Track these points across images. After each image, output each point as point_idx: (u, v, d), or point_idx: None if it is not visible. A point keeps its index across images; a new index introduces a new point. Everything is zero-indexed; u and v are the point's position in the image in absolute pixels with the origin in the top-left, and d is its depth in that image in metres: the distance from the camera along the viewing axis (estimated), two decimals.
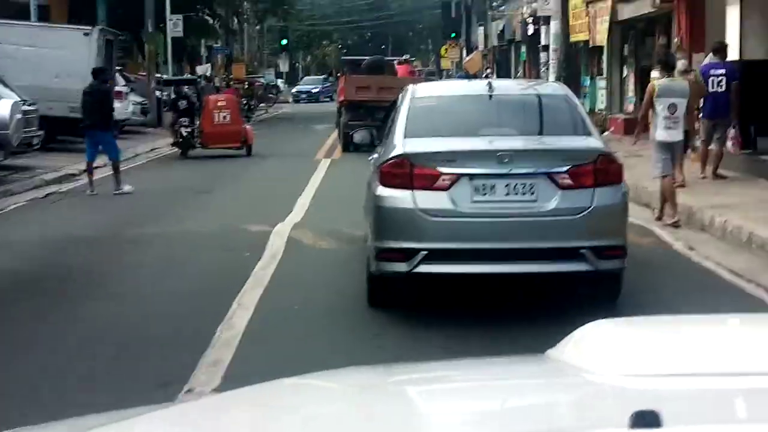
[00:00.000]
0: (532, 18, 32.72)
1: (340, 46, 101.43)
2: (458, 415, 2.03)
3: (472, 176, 7.40)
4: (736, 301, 7.99)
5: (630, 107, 24.01)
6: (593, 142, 7.80)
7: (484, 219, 7.45)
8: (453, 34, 53.51)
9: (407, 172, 7.48)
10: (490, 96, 8.16)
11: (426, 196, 7.40)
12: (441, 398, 2.22)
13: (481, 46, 47.40)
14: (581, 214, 7.37)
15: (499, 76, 41.54)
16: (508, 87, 10.50)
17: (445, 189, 7.38)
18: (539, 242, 7.41)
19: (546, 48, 28.71)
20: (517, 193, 7.42)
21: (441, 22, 55.50)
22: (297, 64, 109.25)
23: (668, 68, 12.12)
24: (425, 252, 7.36)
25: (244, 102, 41.76)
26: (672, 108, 11.32)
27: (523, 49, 35.48)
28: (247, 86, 45.89)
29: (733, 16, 15.85)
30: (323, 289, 8.79)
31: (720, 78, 14.48)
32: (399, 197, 7.49)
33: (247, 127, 24.34)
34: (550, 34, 28.34)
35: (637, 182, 12.66)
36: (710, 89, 14.56)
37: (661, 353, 2.13)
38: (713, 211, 11.31)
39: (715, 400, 1.87)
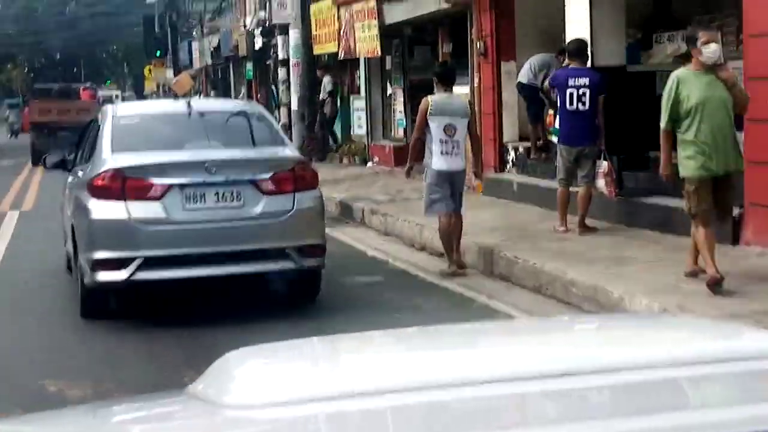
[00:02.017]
0: (261, 29, 27.98)
1: (26, 70, 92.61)
2: None
3: (182, 186, 7.92)
4: None
5: (400, 132, 19.77)
6: (290, 151, 8.76)
7: (197, 225, 7.93)
8: (158, 52, 47.77)
9: (119, 185, 7.86)
10: (189, 113, 8.70)
11: (139, 206, 7.82)
12: None
13: (196, 65, 42.04)
14: (284, 217, 8.11)
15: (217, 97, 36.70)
16: (207, 105, 11.07)
17: (158, 198, 7.85)
18: (249, 244, 8.01)
19: (284, 63, 24.06)
20: (225, 200, 8.02)
21: (143, 40, 49.53)
22: None
23: (446, 82, 9.87)
24: (141, 259, 7.74)
25: None
26: (449, 129, 9.48)
27: (249, 66, 30.71)
28: None
29: (577, 7, 11.76)
30: None
31: (582, 90, 10.36)
32: (112, 208, 7.84)
33: None
34: (288, 47, 23.78)
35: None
36: (568, 105, 10.42)
37: (299, 378, 2.14)
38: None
39: (329, 425, 1.89)
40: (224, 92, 38.17)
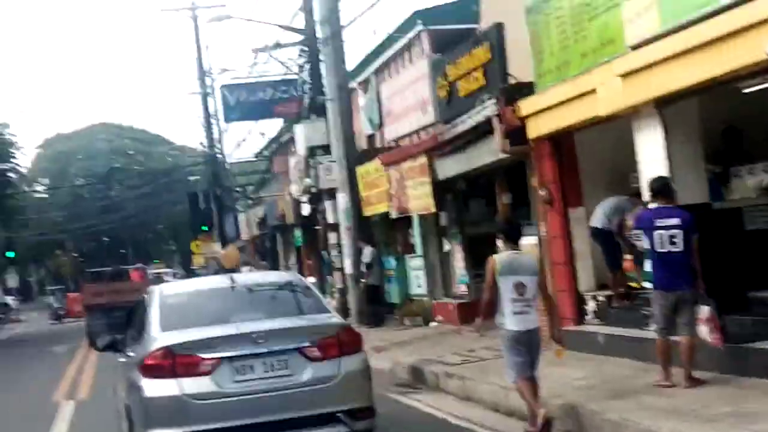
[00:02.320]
0: (308, 196, 27.71)
1: (75, 255, 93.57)
2: None
3: (231, 358, 8.06)
4: None
5: (462, 288, 19.04)
6: (333, 318, 8.99)
7: (247, 396, 8.01)
8: (204, 227, 47.84)
9: (170, 362, 8.00)
10: (233, 287, 9.12)
11: (190, 382, 7.95)
12: None
13: (244, 236, 41.91)
14: (332, 382, 8.22)
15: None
16: (248, 278, 10.79)
17: (208, 373, 7.99)
18: (299, 412, 8.10)
19: (334, 227, 23.62)
20: (273, 369, 8.14)
21: (189, 217, 49.70)
22: (30, 278, 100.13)
23: (513, 239, 9.40)
24: None
25: None
26: (520, 288, 9.08)
27: (298, 233, 30.39)
28: None
29: (651, 146, 11.15)
30: None
31: (672, 231, 9.64)
32: (165, 386, 7.97)
33: None
34: (337, 211, 23.39)
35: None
36: (658, 248, 9.68)
37: None
38: None
39: None
40: (273, 261, 37.83)
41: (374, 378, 8.97)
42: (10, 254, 61.37)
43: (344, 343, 8.47)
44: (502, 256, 9.21)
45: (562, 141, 13.53)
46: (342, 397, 8.27)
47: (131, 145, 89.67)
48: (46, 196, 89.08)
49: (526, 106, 13.49)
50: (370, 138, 25.06)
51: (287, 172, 33.54)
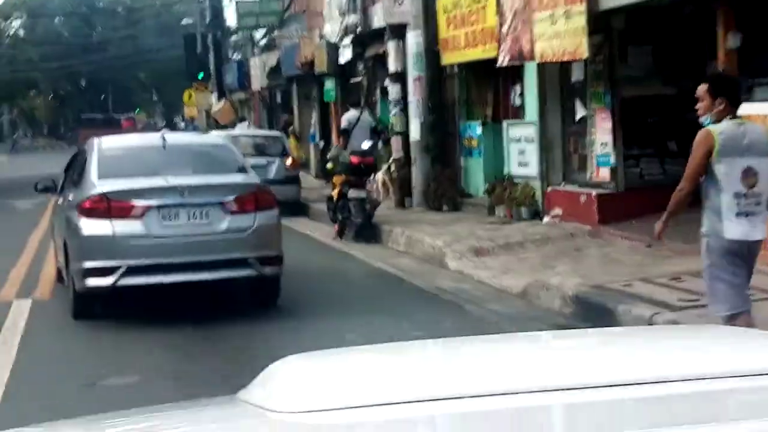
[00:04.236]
0: (350, 38, 21.68)
1: (51, 96, 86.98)
2: None
3: (159, 207, 9.31)
4: None
5: (603, 173, 13.29)
6: (251, 177, 10.11)
7: (171, 239, 9.27)
8: (201, 75, 41.65)
9: (105, 206, 9.24)
10: (164, 146, 10.14)
11: (123, 224, 9.18)
12: None
13: (256, 86, 35.68)
14: (246, 232, 9.48)
15: (274, 128, 30.68)
16: (180, 138, 12.89)
17: (139, 217, 9.23)
18: (216, 255, 9.36)
19: (398, 77, 17.70)
20: (196, 218, 9.41)
21: (183, 62, 43.37)
22: (0, 118, 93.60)
23: (736, 101, 6.63)
24: (125, 268, 9.09)
25: None
26: (750, 176, 6.45)
27: (329, 84, 24.40)
28: None
29: None
30: None
31: None
32: (100, 226, 9.21)
33: None
34: (404, 56, 17.49)
35: None
36: None
37: (347, 385, 2.11)
38: None
39: (398, 429, 1.86)
40: (276, 120, 31.74)
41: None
42: None
43: (260, 200, 9.72)
44: (722, 127, 6.48)
45: None
46: (254, 246, 9.53)
47: None
48: (22, 31, 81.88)
49: None
50: None
51: (309, 11, 27.39)
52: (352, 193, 15.30)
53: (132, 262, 9.09)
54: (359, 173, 15.43)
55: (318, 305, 10.36)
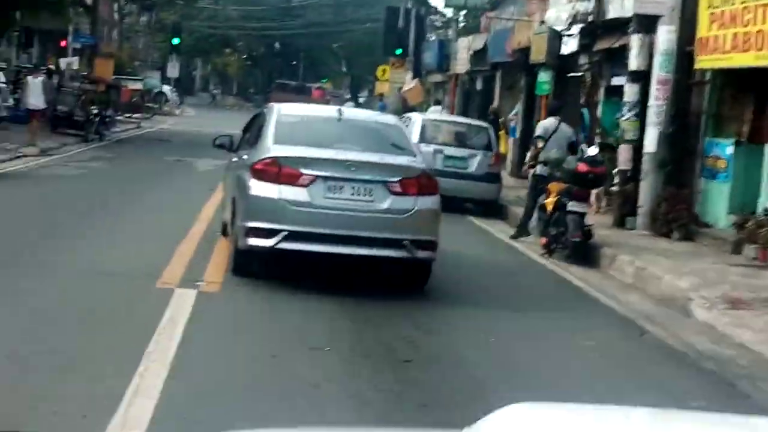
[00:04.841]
0: (579, 27, 19.32)
1: (244, 57, 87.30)
2: None
3: (326, 178, 9.46)
4: None
5: None
6: (418, 161, 10.01)
7: (333, 211, 9.40)
8: (399, 51, 39.90)
9: (276, 170, 9.45)
10: (339, 119, 10.44)
11: (289, 190, 9.39)
12: None
13: (461, 68, 33.59)
14: (406, 214, 9.52)
15: (472, 116, 28.52)
16: (355, 113, 13.21)
17: (305, 186, 9.41)
18: (373, 233, 9.45)
19: (638, 77, 15.25)
20: (359, 194, 9.51)
21: (382, 36, 41.71)
22: (194, 72, 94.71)
23: None
24: (286, 232, 9.27)
25: (95, 112, 27.59)
26: None
27: (544, 76, 22.06)
28: (104, 89, 31.60)
29: None
30: None
31: None
32: (268, 188, 9.43)
33: None
34: (647, 53, 15.06)
35: None
36: None
37: None
38: None
39: None
40: (482, 110, 29.56)
41: None
42: (175, 41, 54.50)
43: (423, 185, 9.68)
44: None
45: None
46: (411, 229, 9.52)
47: None
48: None
49: None
50: None
51: None
52: (573, 206, 13.04)
53: (293, 228, 9.28)
54: (585, 184, 13.15)
55: (536, 349, 8.20)
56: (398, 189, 9.52)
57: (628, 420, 2.42)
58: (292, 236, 9.26)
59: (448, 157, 18.00)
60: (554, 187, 13.86)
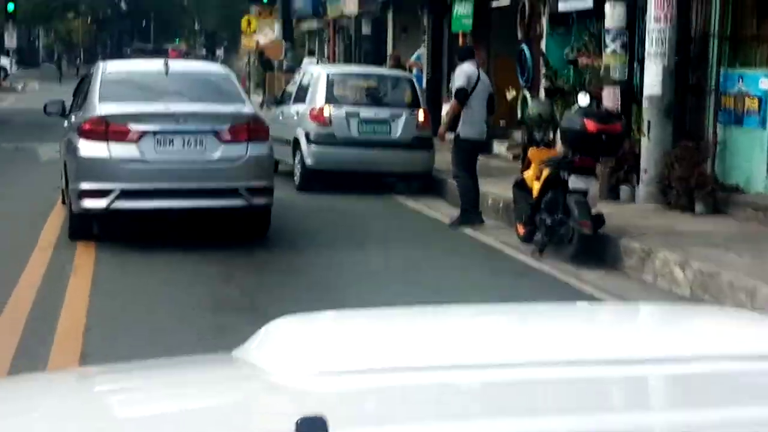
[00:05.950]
0: None
1: (90, 20, 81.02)
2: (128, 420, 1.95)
3: (155, 132, 9.43)
4: None
5: None
6: (247, 108, 10.10)
7: (165, 165, 9.41)
8: None
9: (103, 129, 9.36)
10: (166, 72, 10.20)
11: (119, 148, 9.32)
12: (116, 402, 2.12)
13: (346, 9, 29.09)
14: (238, 162, 9.55)
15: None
16: (182, 65, 12.97)
17: (134, 142, 9.36)
18: (207, 183, 9.52)
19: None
20: (190, 146, 9.49)
21: None
22: (36, 41, 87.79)
23: None
24: (119, 191, 9.24)
25: None
26: None
27: (463, 9, 17.82)
28: None
29: None
30: None
31: None
32: (97, 148, 9.34)
33: None
34: None
35: None
36: None
37: (348, 349, 2.03)
38: None
39: (399, 397, 1.82)
40: (372, 61, 25.16)
41: None
42: (11, 6, 48.52)
43: (253, 130, 9.69)
44: None
45: None
46: (245, 176, 9.55)
47: None
48: None
49: None
50: None
51: None
52: (575, 183, 9.21)
53: (125, 186, 9.29)
54: (594, 149, 9.30)
55: None
56: (228, 137, 9.58)
57: (395, 319, 2.39)
58: (126, 195, 9.32)
59: (365, 122, 13.93)
60: (537, 154, 10.01)
